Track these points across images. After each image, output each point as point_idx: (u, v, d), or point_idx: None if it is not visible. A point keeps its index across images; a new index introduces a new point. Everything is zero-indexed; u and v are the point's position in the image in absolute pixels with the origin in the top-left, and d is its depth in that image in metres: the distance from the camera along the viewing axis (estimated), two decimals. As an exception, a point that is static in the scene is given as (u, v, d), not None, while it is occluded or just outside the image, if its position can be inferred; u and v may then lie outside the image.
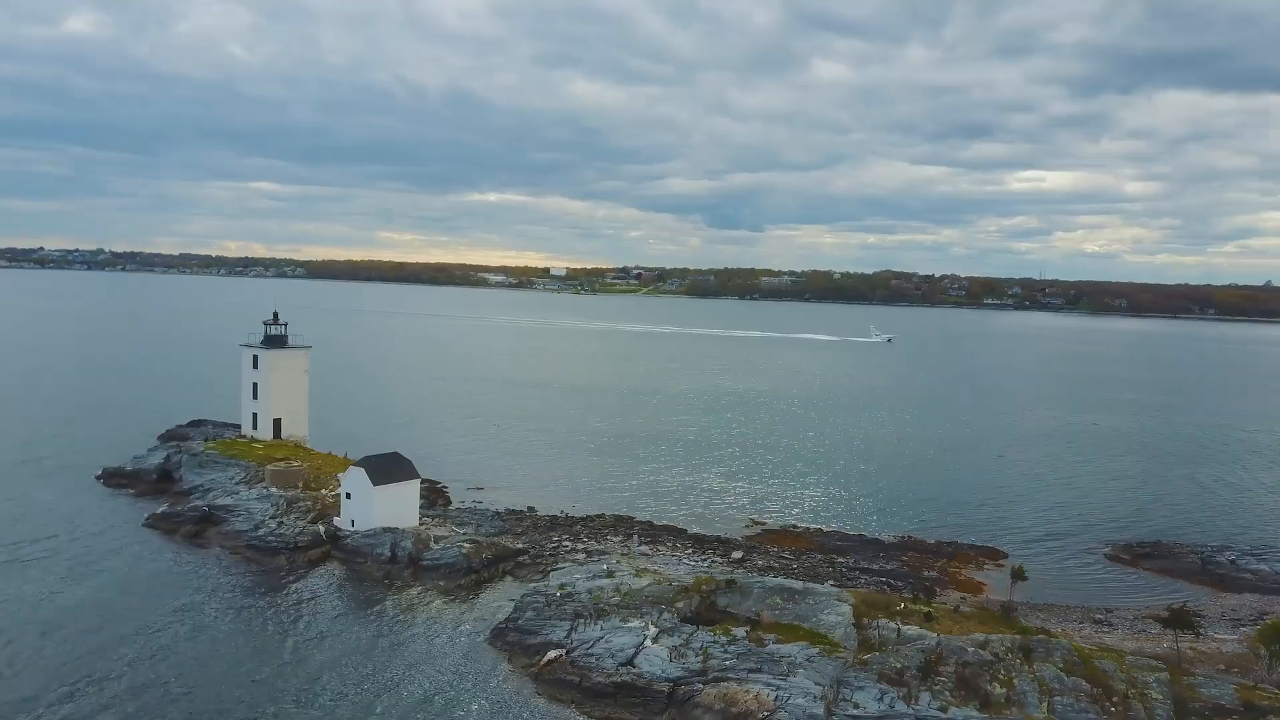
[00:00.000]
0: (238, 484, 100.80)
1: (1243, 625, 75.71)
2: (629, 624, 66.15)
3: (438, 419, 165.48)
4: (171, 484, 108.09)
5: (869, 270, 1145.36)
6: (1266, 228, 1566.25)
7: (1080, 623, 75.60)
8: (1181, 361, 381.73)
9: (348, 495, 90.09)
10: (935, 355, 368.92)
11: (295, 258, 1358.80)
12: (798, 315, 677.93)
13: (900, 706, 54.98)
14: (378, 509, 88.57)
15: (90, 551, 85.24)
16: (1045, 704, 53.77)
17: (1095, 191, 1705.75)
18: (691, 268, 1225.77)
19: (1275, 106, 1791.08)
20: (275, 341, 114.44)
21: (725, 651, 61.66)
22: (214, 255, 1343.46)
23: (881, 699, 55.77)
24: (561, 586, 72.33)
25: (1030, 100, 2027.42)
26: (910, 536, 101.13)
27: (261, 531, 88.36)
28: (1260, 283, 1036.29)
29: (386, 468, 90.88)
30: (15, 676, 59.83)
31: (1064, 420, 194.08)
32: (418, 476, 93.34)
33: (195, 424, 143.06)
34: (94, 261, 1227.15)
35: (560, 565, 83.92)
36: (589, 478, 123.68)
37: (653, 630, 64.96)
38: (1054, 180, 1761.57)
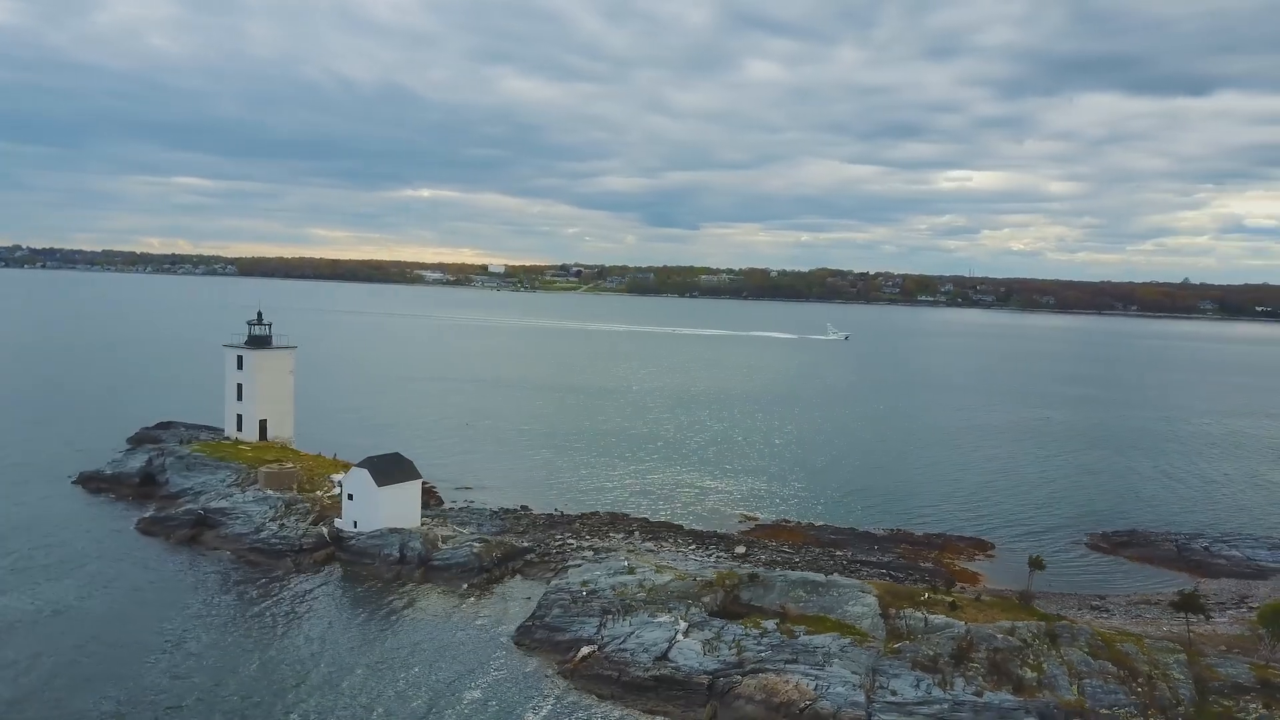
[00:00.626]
0: (229, 487, 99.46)
1: (1228, 609, 79.58)
2: (658, 619, 67.26)
3: (414, 419, 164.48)
4: (156, 488, 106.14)
5: (804, 268, 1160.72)
6: (1181, 227, 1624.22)
7: (1078, 609, 78.60)
8: (1116, 357, 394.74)
9: (350, 496, 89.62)
10: (891, 352, 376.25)
11: (223, 254, 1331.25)
12: (746, 313, 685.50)
13: (937, 693, 57.04)
14: (382, 510, 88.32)
15: (88, 558, 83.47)
16: (1075, 686, 56.32)
17: (1020, 191, 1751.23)
18: (631, 265, 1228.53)
19: (1187, 110, 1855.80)
20: (259, 342, 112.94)
21: (758, 644, 63.13)
22: (139, 252, 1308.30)
23: (918, 686, 57.78)
24: (584, 583, 73.13)
25: (958, 101, 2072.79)
26: (899, 530, 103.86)
27: (264, 534, 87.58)
28: (1178, 280, 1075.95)
29: (389, 468, 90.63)
30: (56, 691, 58.71)
31: (1022, 415, 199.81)
32: (419, 477, 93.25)
33: (164, 426, 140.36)
34: (11, 259, 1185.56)
35: (571, 563, 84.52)
36: (575, 476, 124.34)
37: (683, 624, 66.17)
38: (981, 180, 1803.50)
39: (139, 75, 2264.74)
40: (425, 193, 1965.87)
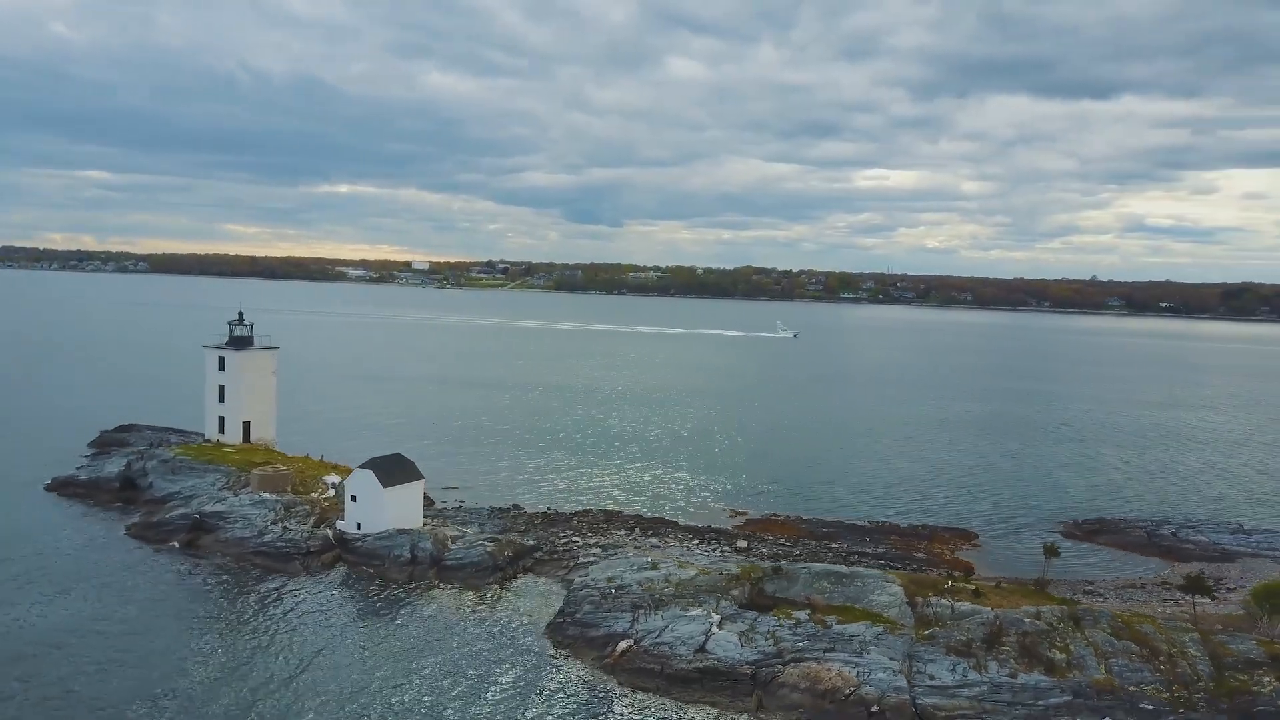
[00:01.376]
0: (221, 490, 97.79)
1: (1220, 588, 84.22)
2: (690, 613, 68.79)
3: (387, 419, 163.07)
4: (137, 492, 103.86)
5: (728, 266, 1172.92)
6: (1086, 226, 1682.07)
7: (1073, 595, 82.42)
8: (1045, 352, 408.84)
9: (353, 498, 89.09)
10: (840, 349, 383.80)
11: (132, 250, 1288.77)
12: (692, 311, 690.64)
13: (973, 675, 59.75)
14: (387, 511, 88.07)
15: (89, 569, 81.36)
16: (1103, 666, 59.54)
17: (935, 190, 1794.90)
18: (557, 262, 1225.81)
19: (1092, 113, 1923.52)
20: (240, 342, 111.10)
21: (794, 634, 65.13)
22: (41, 248, 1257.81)
23: (954, 670, 60.41)
24: (610, 579, 74.25)
25: (874, 102, 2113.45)
26: (884, 521, 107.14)
27: (268, 538, 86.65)
28: (1086, 277, 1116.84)
29: (394, 469, 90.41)
30: (98, 712, 57.75)
31: (975, 409, 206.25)
32: (422, 477, 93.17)
33: (126, 429, 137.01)
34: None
35: (583, 559, 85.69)
36: (557, 475, 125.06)
37: (716, 617, 67.81)
38: (897, 179, 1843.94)
39: (39, 64, 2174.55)
40: (344, 188, 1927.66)
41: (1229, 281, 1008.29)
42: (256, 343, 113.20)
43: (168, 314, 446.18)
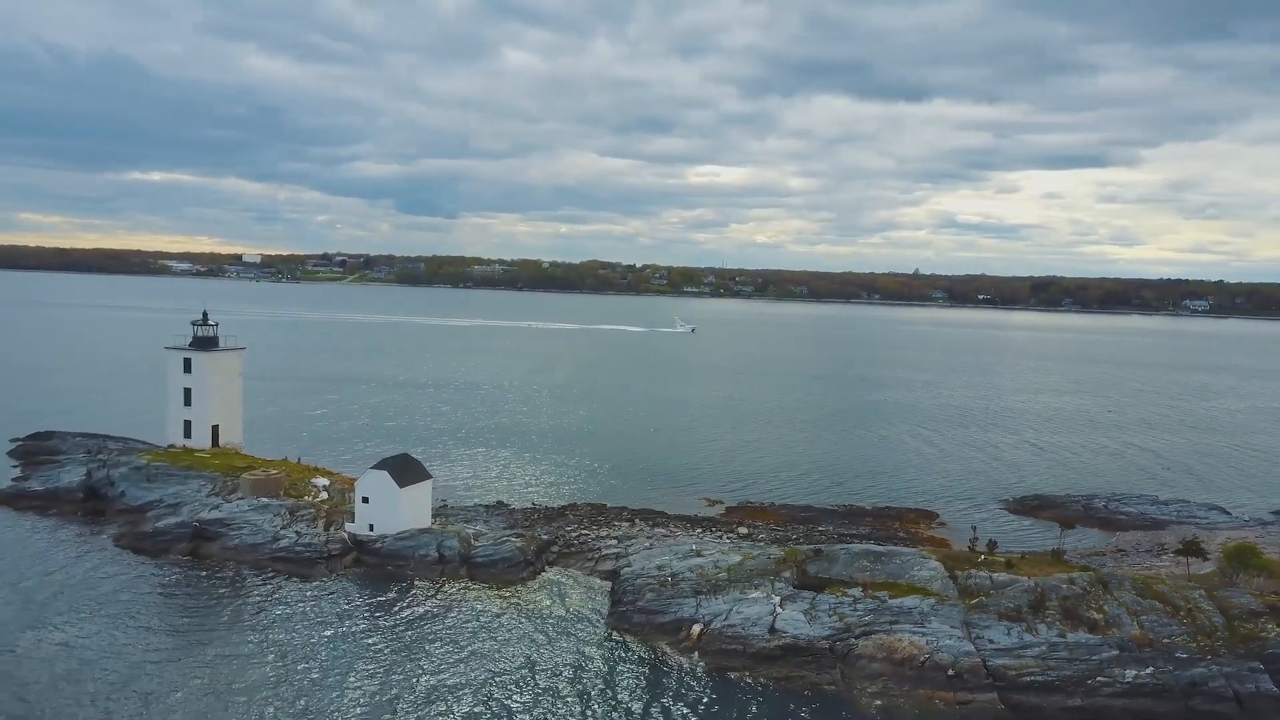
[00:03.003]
0: (209, 496, 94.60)
1: (1164, 554, 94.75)
2: (750, 595, 72.82)
3: (335, 420, 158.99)
4: (105, 502, 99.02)
5: (566, 259, 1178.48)
6: (903, 222, 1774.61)
7: (1080, 562, 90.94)
8: (899, 343, 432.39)
9: (365, 499, 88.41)
10: (731, 341, 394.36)
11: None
12: (589, 307, 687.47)
13: (1028, 637, 66.33)
14: (403, 512, 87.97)
15: (93, 585, 77.67)
16: (1136, 623, 67.26)
17: (763, 186, 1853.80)
18: (394, 254, 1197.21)
19: (907, 114, 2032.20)
20: (206, 343, 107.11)
21: (854, 610, 70.16)
22: None
23: (1009, 633, 66.83)
24: (660, 568, 77.31)
25: (706, 98, 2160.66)
26: (850, 505, 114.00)
27: (284, 543, 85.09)
28: (906, 270, 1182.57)
29: (406, 469, 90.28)
30: None
31: (869, 398, 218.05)
32: (430, 476, 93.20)
33: (41, 436, 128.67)
34: None
35: (608, 552, 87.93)
36: (529, 471, 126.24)
37: (776, 598, 72.11)
38: (728, 175, 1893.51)
39: None
40: (157, 176, 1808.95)
41: (1034, 275, 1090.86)
42: (223, 343, 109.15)
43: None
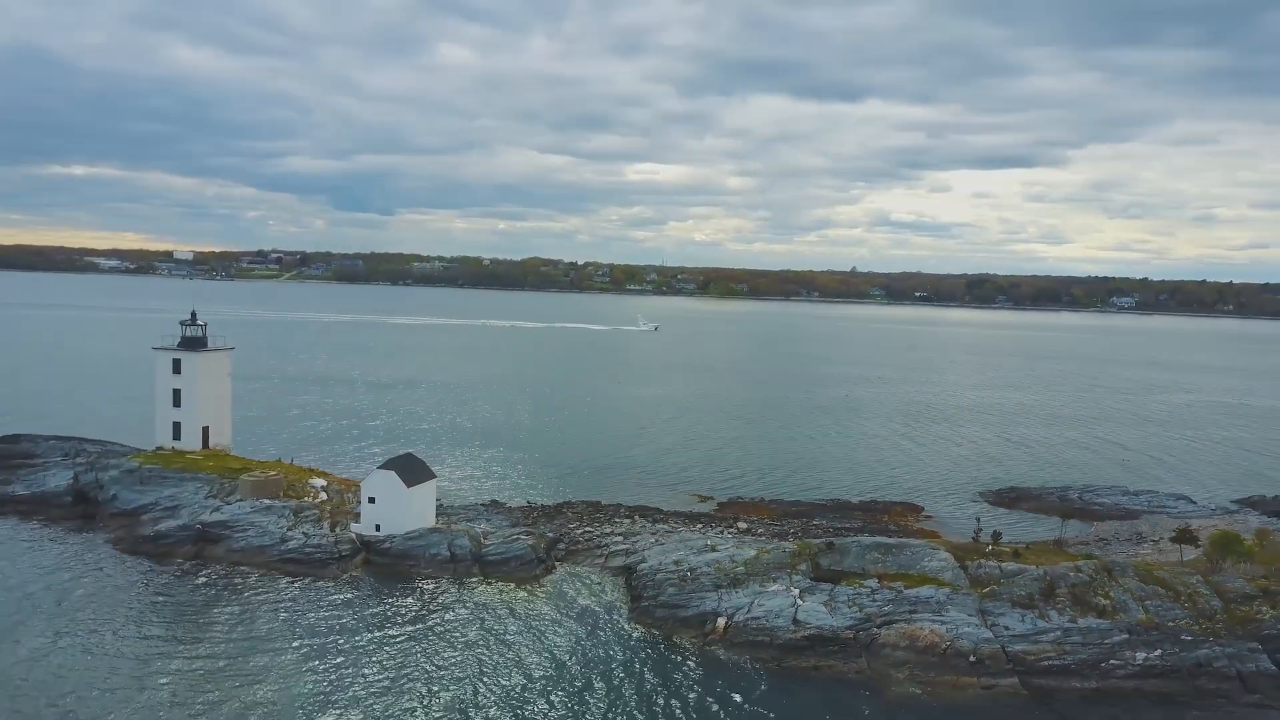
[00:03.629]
0: (207, 498, 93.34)
1: (1144, 542, 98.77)
2: (769, 588, 74.53)
3: (314, 420, 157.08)
4: (95, 506, 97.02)
5: (504, 256, 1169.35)
6: (839, 220, 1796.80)
7: (1055, 553, 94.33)
8: (847, 340, 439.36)
9: (370, 500, 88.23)
10: (694, 339, 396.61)
11: None
12: (547, 305, 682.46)
13: (1041, 624, 69.05)
14: (411, 511, 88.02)
15: (101, 591, 76.17)
16: (1142, 608, 70.41)
17: (702, 184, 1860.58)
18: (332, 251, 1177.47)
19: (843, 114, 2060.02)
20: (195, 343, 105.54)
21: (872, 600, 72.24)
22: None
23: (1024, 620, 69.49)
24: (677, 563, 78.61)
25: (644, 97, 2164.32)
26: (838, 499, 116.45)
27: (293, 544, 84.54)
28: (843, 268, 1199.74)
29: (412, 468, 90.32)
30: None
31: (837, 394, 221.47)
32: (434, 476, 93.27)
33: (10, 440, 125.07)
34: None
35: (616, 549, 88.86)
36: (518, 470, 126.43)
37: (796, 591, 73.90)
38: (666, 174, 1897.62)
39: None
40: (79, 170, 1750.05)
41: (968, 273, 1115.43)
42: (211, 343, 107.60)
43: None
